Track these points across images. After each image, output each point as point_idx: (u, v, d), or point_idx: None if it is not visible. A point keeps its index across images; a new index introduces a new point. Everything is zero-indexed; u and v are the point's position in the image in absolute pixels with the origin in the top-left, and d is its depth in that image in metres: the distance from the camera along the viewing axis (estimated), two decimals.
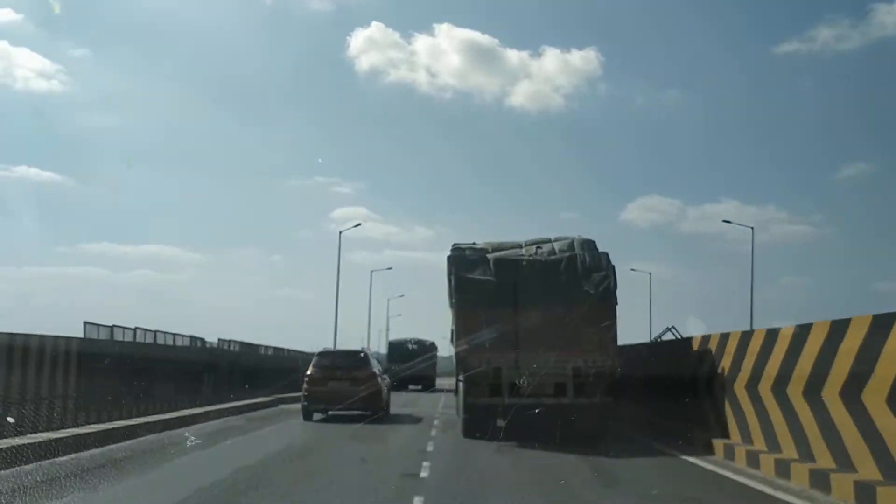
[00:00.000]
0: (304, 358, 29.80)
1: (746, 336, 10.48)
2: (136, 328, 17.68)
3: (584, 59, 76.79)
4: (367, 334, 54.96)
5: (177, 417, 14.32)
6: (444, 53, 79.08)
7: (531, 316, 11.95)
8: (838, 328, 8.00)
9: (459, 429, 12.96)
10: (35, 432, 10.14)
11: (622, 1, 72.36)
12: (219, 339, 22.94)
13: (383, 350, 41.30)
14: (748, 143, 70.47)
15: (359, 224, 52.96)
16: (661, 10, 70.88)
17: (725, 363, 10.89)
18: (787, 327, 9.20)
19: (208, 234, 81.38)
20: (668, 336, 15.04)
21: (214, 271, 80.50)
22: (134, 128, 70.08)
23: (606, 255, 12.70)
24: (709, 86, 71.48)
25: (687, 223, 77.53)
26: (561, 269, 12.28)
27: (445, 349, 30.51)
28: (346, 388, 16.03)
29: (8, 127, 64.23)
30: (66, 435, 10.31)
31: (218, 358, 21.29)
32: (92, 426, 11.52)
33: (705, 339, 12.10)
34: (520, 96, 78.15)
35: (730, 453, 10.07)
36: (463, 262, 12.84)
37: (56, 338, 11.42)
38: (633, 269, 48.75)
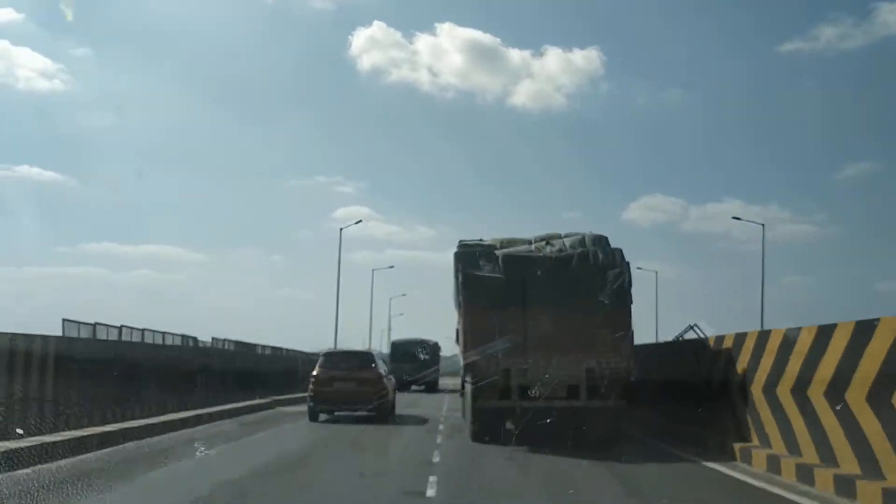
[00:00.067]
0: (304, 358, 29.12)
1: (764, 336, 10.02)
2: (122, 326, 16.83)
3: (586, 58, 76.33)
4: (368, 334, 54.07)
5: (162, 422, 13.42)
6: (445, 53, 78.80)
7: (542, 315, 11.51)
8: (864, 329, 7.67)
9: (467, 433, 12.43)
10: None
11: (624, 0, 71.61)
12: (213, 339, 22.13)
13: (385, 349, 40.57)
14: (751, 143, 70.27)
15: (360, 221, 51.89)
16: (663, 9, 70.45)
17: (742, 364, 10.44)
18: (808, 327, 8.88)
19: (209, 234, 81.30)
20: (691, 335, 14.16)
21: (215, 271, 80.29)
22: (135, 127, 69.67)
23: (620, 251, 12.35)
24: (711, 85, 71.24)
25: (689, 223, 77.01)
26: (573, 266, 11.93)
27: (448, 349, 29.91)
28: (353, 388, 15.78)
29: (9, 127, 64.08)
30: (30, 444, 9.18)
31: (211, 358, 20.47)
32: (62, 433, 10.55)
33: (719, 339, 11.70)
34: (522, 96, 77.91)
35: (747, 457, 9.68)
36: (470, 258, 12.40)
37: (27, 336, 10.58)
38: (639, 268, 47.93)
